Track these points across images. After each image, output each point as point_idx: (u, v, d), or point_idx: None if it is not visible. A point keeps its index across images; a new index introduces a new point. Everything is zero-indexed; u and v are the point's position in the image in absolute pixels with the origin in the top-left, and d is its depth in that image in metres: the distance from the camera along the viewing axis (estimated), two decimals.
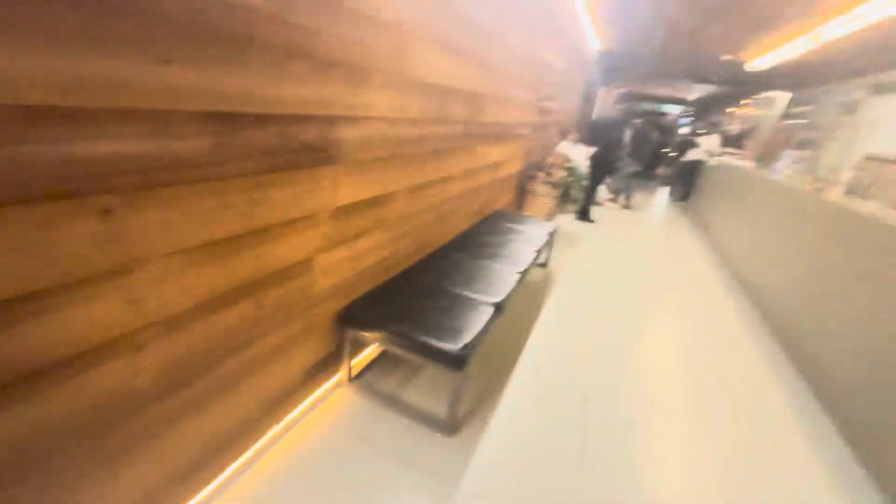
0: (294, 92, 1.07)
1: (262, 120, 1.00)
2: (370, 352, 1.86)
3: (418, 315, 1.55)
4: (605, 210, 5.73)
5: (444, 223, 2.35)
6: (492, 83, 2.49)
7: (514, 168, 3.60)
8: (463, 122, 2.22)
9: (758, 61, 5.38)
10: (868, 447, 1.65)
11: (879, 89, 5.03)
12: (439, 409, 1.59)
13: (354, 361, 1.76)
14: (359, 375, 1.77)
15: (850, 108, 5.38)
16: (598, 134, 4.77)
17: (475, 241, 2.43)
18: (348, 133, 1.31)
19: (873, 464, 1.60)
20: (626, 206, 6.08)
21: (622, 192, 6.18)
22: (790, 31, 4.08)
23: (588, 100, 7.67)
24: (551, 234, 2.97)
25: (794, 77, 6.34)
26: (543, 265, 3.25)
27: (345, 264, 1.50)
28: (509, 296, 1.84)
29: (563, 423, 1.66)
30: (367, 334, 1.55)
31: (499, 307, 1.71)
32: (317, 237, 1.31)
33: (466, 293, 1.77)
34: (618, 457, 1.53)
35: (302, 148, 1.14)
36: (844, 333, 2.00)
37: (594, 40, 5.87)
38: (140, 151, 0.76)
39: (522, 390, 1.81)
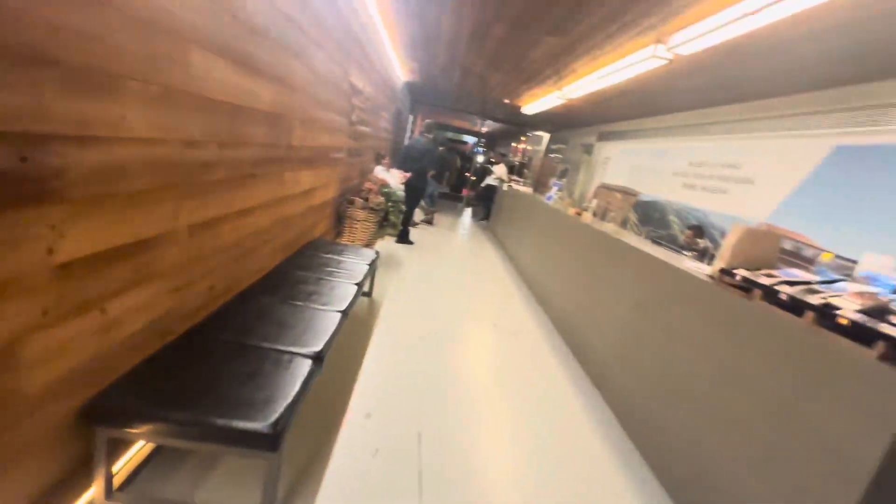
0: None
1: None
2: (141, 448, 1.38)
3: (210, 389, 1.21)
4: (421, 231, 6.08)
5: (247, 262, 1.98)
6: (298, 104, 2.27)
7: (329, 194, 3.40)
8: (265, 146, 1.94)
9: (529, 107, 6.66)
10: (627, 419, 2.11)
11: (602, 136, 6.88)
12: (251, 501, 1.28)
13: (117, 467, 1.27)
14: (125, 485, 1.28)
15: (589, 149, 7.18)
16: (411, 159, 5.01)
17: (288, 279, 2.14)
18: (79, 158, 0.93)
19: (625, 422, 2.04)
20: (430, 223, 6.68)
21: (432, 214, 6.75)
22: (547, 87, 5.19)
23: (400, 127, 8.07)
24: (373, 262, 2.89)
25: (553, 122, 8.11)
26: (368, 294, 3.15)
27: (85, 341, 1.05)
28: (331, 341, 1.65)
29: (400, 469, 1.57)
30: (131, 431, 1.12)
31: (319, 358, 1.50)
32: (23, 312, 0.86)
33: (278, 347, 1.50)
34: (454, 491, 1.52)
35: None
36: (597, 319, 2.55)
37: (400, 71, 6.22)
38: None
39: (354, 444, 1.64)
